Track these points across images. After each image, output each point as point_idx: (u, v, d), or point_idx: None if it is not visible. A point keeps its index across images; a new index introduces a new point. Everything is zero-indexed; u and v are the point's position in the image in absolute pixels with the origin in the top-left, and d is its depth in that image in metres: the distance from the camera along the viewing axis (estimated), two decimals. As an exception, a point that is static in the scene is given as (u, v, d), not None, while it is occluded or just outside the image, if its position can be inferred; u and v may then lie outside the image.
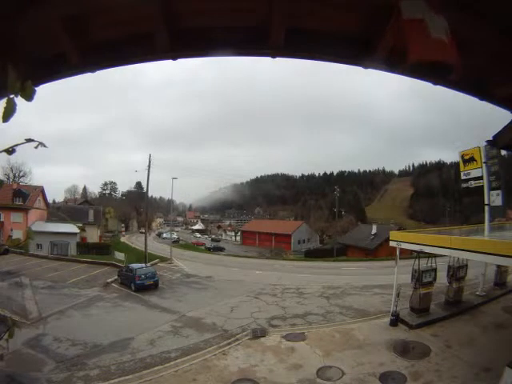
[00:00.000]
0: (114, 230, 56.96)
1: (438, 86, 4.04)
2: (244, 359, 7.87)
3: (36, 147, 1.11)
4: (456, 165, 23.30)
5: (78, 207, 45.74)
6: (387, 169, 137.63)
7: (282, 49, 3.57)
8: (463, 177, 10.92)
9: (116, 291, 16.18)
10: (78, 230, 32.95)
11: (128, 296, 15.27)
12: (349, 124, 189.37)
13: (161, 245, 43.31)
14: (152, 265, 22.65)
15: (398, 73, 3.93)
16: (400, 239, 10.14)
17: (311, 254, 38.56)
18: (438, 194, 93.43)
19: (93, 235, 36.85)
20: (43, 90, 3.41)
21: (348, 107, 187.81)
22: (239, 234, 69.16)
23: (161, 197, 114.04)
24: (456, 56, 2.82)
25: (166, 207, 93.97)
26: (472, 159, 10.54)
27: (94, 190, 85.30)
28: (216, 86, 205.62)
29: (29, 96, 1.03)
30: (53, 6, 2.93)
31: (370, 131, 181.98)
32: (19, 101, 1.04)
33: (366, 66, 3.76)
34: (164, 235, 59.85)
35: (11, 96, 1.00)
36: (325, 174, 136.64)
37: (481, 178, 10.21)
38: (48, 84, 3.70)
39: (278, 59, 3.79)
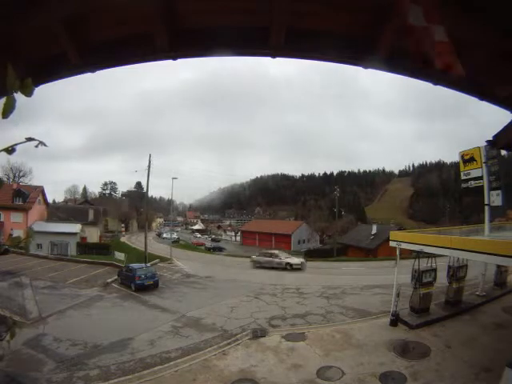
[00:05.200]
0: (114, 230, 56.98)
1: (438, 86, 4.04)
2: (244, 359, 7.86)
3: (36, 146, 1.11)
4: (456, 165, 23.30)
5: (78, 207, 45.74)
6: (387, 169, 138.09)
7: (282, 49, 3.58)
8: (463, 177, 10.92)
9: (116, 291, 16.17)
10: (78, 230, 32.94)
11: (128, 296, 15.26)
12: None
13: (161, 245, 43.27)
14: (152, 265, 22.63)
15: (398, 73, 3.93)
16: (400, 239, 10.13)
17: (311, 254, 38.52)
18: (438, 194, 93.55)
19: (93, 235, 36.87)
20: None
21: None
22: (239, 233, 69.12)
23: (161, 197, 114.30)
24: (455, 65, 2.81)
25: (166, 207, 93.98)
26: (472, 159, 10.53)
27: (94, 190, 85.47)
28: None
29: (28, 93, 1.04)
30: (53, 6, 2.94)
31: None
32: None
33: (366, 66, 3.76)
34: (164, 235, 59.79)
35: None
36: (325, 174, 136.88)
37: (481, 178, 10.20)
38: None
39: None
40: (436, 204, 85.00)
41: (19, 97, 1.03)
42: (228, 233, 78.28)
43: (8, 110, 1.01)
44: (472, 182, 10.57)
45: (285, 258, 23.62)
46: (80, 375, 7.32)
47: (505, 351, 6.96)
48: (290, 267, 22.48)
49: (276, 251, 26.10)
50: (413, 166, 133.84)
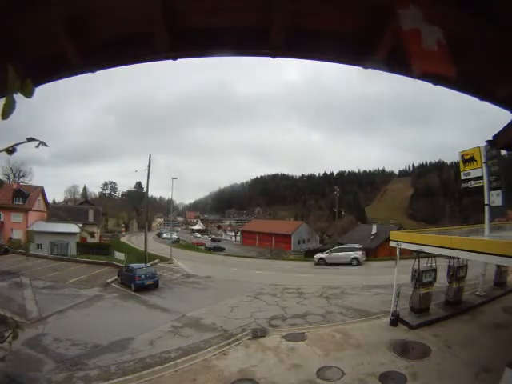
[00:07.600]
0: (114, 230, 57.01)
1: (438, 86, 4.04)
2: (244, 359, 7.86)
3: (37, 146, 1.10)
4: (456, 165, 23.32)
5: (78, 207, 45.71)
6: (387, 169, 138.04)
7: (282, 49, 3.57)
8: (463, 177, 10.92)
9: (116, 291, 16.18)
10: (78, 230, 32.93)
11: (128, 296, 15.27)
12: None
13: (161, 245, 43.26)
14: (152, 265, 22.64)
15: (398, 73, 3.93)
16: (400, 239, 10.12)
17: (311, 254, 38.50)
18: (437, 194, 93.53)
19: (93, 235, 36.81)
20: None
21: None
22: (239, 233, 69.16)
23: (161, 197, 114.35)
24: (448, 67, 2.81)
25: (166, 207, 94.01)
26: (472, 159, 10.53)
27: (94, 190, 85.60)
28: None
29: (28, 93, 1.04)
30: (53, 6, 2.93)
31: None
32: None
33: (366, 66, 3.76)
34: (164, 235, 59.82)
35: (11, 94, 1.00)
36: (325, 174, 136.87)
37: (481, 178, 10.20)
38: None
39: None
40: (436, 204, 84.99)
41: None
42: (228, 233, 78.35)
43: (8, 110, 1.00)
44: (472, 182, 10.57)
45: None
46: (80, 375, 7.32)
47: (505, 351, 6.95)
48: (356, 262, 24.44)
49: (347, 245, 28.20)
50: (413, 165, 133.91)
